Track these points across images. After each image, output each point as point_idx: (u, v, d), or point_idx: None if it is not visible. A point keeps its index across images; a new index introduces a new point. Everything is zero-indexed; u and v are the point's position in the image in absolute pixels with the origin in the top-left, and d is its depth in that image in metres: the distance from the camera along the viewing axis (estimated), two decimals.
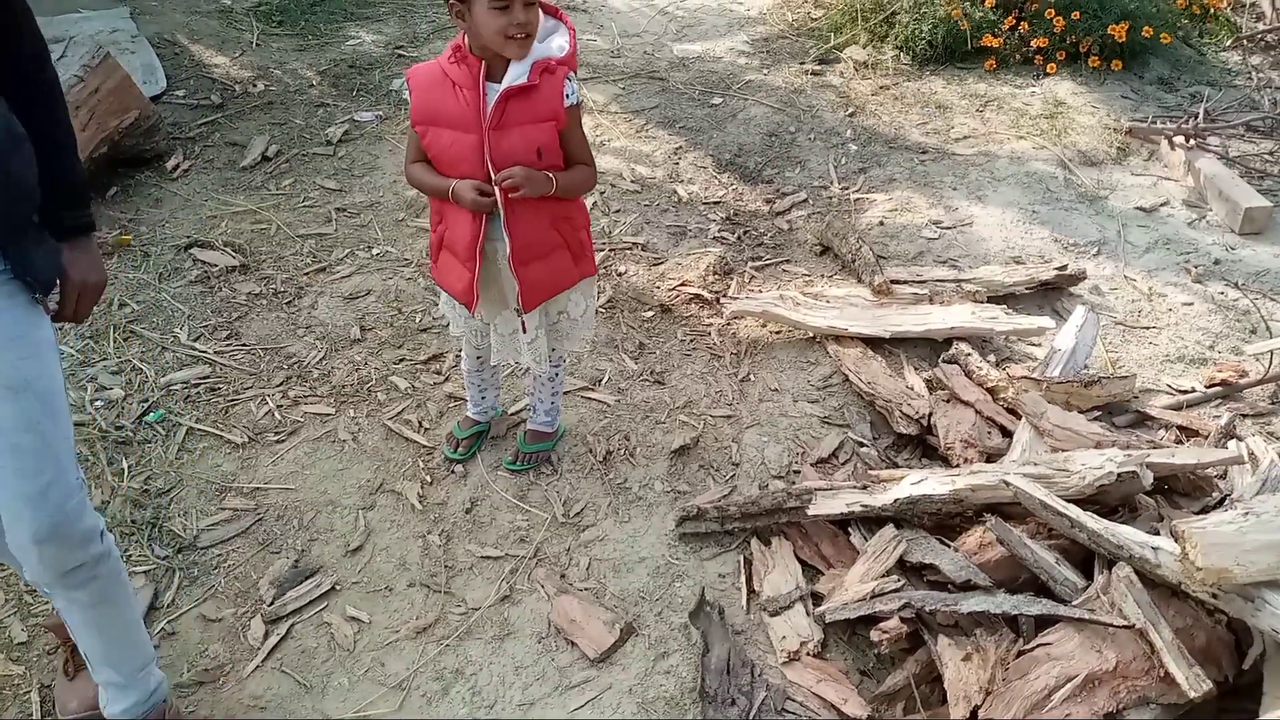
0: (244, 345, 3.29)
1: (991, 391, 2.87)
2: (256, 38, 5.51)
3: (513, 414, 3.02)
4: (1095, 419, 2.86)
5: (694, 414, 3.03)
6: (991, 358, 3.20)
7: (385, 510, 2.72)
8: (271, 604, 2.44)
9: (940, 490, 2.31)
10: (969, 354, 3.03)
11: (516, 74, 2.09)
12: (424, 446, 2.91)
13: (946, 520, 2.40)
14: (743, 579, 2.44)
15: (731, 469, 2.82)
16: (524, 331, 2.40)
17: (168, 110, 4.65)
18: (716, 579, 2.47)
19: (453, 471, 2.81)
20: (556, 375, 2.70)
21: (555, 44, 2.16)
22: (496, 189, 2.15)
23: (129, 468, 2.80)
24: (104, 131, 4.00)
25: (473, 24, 2.04)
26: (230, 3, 5.87)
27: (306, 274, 3.65)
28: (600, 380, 3.18)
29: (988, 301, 3.41)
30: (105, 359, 3.18)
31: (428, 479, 2.81)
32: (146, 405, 3.01)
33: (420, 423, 3.00)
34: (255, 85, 5.01)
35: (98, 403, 3.00)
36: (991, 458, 2.61)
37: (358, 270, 3.68)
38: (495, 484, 2.78)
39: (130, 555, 2.55)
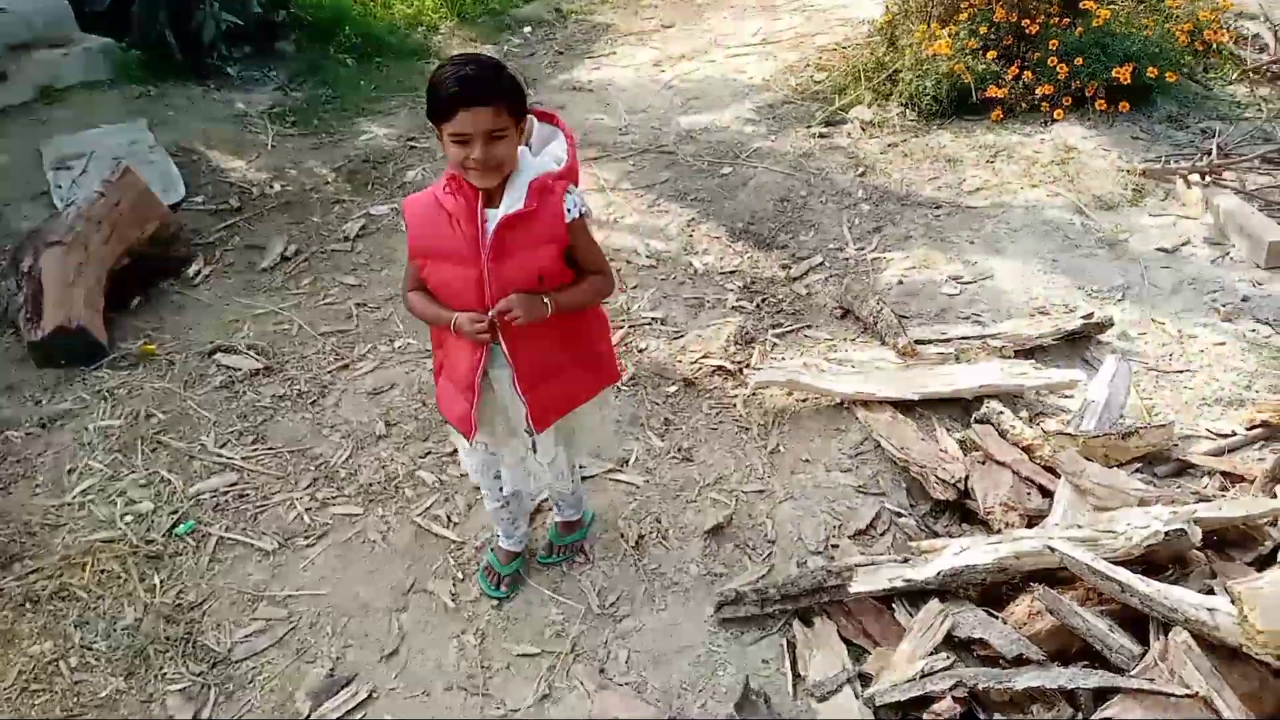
0: (270, 449, 3.29)
1: (1027, 450, 2.81)
2: (271, 139, 5.64)
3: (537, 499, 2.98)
4: (1136, 471, 2.80)
5: (725, 490, 2.99)
6: (1024, 414, 3.14)
7: (419, 611, 2.68)
8: (309, 717, 2.39)
9: (984, 560, 2.25)
10: (1001, 412, 2.97)
11: (512, 200, 2.01)
12: (454, 542, 2.88)
13: (992, 589, 2.33)
14: (787, 664, 2.37)
15: (768, 547, 2.76)
16: (535, 452, 2.34)
17: (187, 217, 4.73)
18: (760, 665, 2.40)
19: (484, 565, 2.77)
20: (579, 492, 2.68)
21: (552, 154, 2.10)
22: (492, 319, 2.06)
23: (161, 583, 2.78)
24: (126, 243, 4.08)
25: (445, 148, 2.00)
26: (244, 107, 6.01)
27: (329, 372, 3.67)
28: (628, 461, 3.15)
29: (1015, 356, 3.36)
30: (134, 472, 3.19)
31: (459, 575, 2.77)
32: (176, 517, 3.01)
33: (449, 517, 2.97)
34: (272, 186, 5.11)
35: (128, 517, 3.00)
36: (1033, 520, 2.54)
37: (380, 365, 3.69)
38: (528, 577, 2.74)
39: (165, 673, 2.52)
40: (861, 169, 4.99)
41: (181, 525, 2.97)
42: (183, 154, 5.33)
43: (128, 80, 6.02)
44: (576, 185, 2.14)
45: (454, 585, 2.74)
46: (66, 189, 4.75)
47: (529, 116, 2.06)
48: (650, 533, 2.84)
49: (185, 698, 2.46)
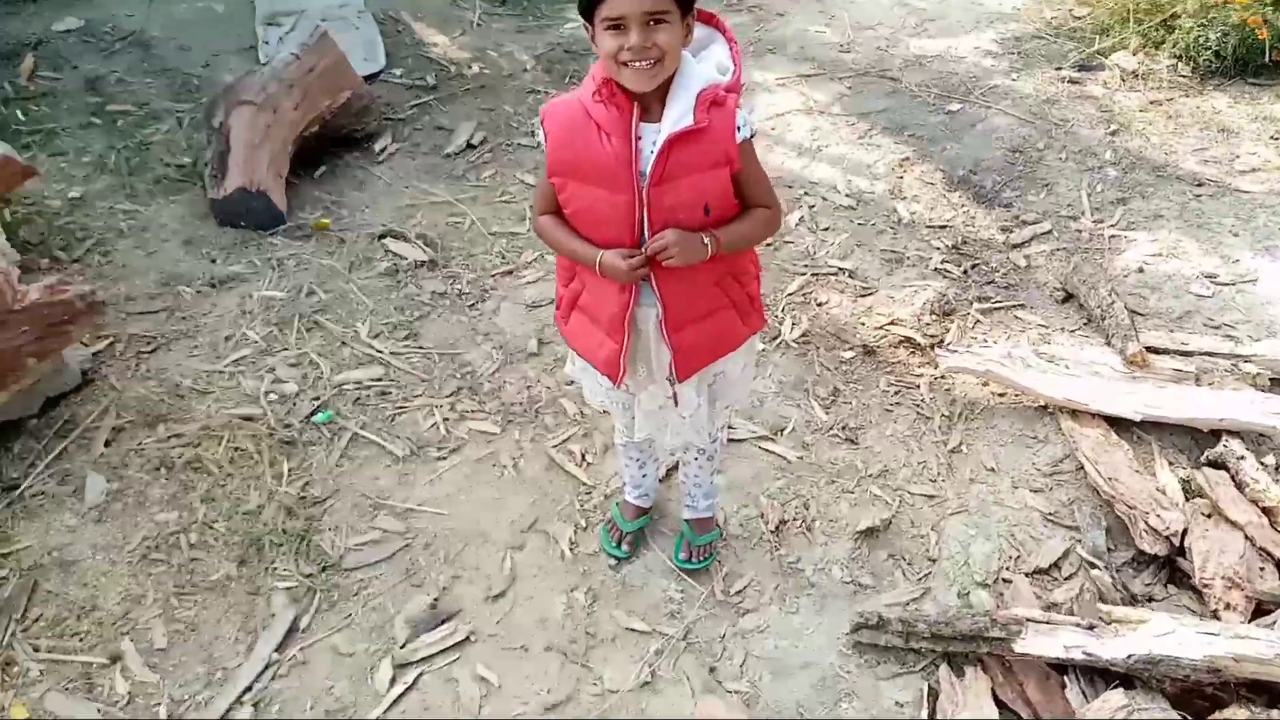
0: (421, 348, 3.17)
1: (1268, 512, 2.32)
2: (479, 17, 5.45)
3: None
4: None
5: (889, 486, 2.64)
6: (1270, 458, 2.61)
7: (534, 553, 2.52)
8: (403, 646, 2.29)
9: (1191, 654, 1.84)
10: (1241, 457, 2.47)
11: (679, 113, 1.69)
12: (584, 484, 2.69)
13: (1195, 688, 1.92)
14: (924, 712, 2.06)
15: (927, 565, 2.42)
16: (675, 404, 2.04)
17: (383, 89, 4.64)
18: (893, 706, 2.10)
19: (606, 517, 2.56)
20: (716, 451, 2.35)
21: (716, 61, 1.78)
22: (646, 256, 1.78)
23: (289, 470, 2.74)
24: (315, 110, 4.01)
25: (597, 46, 1.69)
26: None
27: (493, 275, 3.51)
28: (783, 430, 2.84)
29: (1271, 386, 2.80)
30: (286, 349, 3.15)
31: (582, 523, 2.58)
32: (318, 404, 2.95)
33: (584, 455, 2.78)
34: (470, 67, 4.94)
35: (271, 396, 2.97)
36: (1263, 606, 2.08)
37: (545, 276, 3.49)
38: (652, 539, 2.52)
39: (276, 568, 2.47)
40: (1114, 126, 4.31)
41: (320, 414, 2.91)
42: (390, 22, 5.23)
43: None
44: (742, 101, 1.80)
45: (575, 533, 2.55)
46: (274, 45, 4.74)
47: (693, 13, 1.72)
48: (794, 519, 2.55)
49: (290, 599, 2.40)
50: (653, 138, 1.72)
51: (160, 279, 3.44)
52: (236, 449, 2.78)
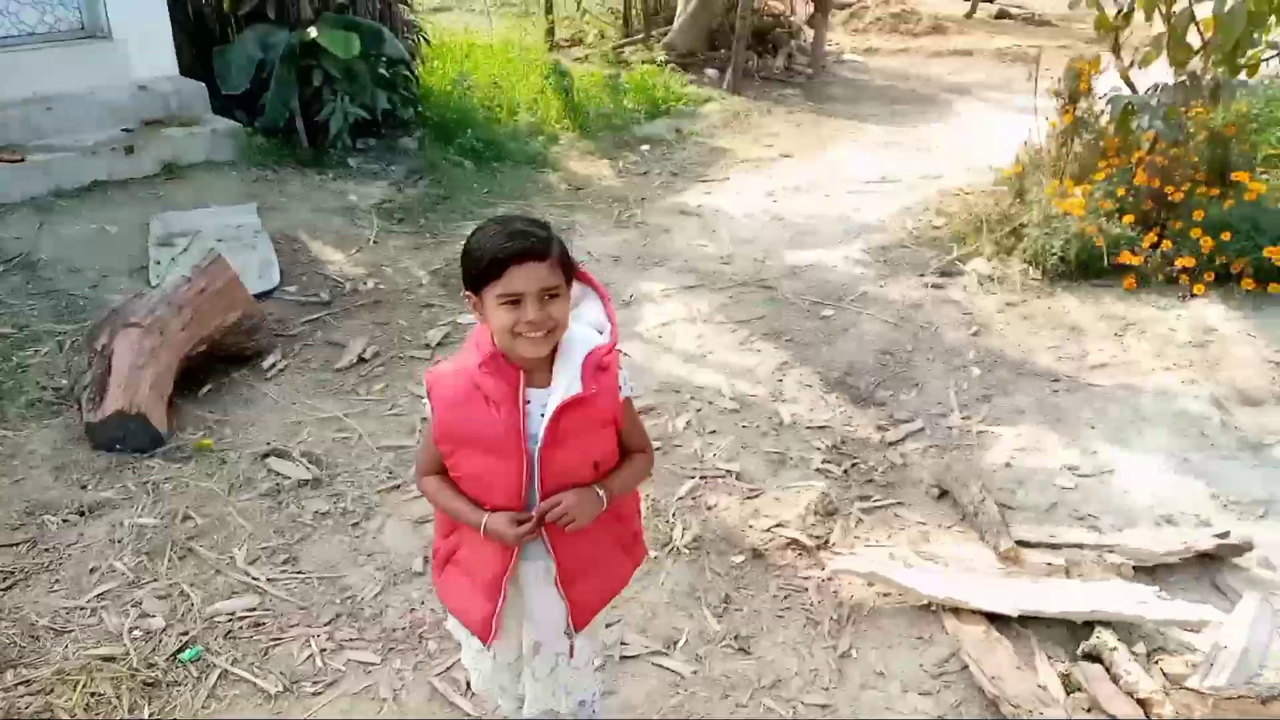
0: (299, 573, 3.07)
1: (1144, 704, 2.36)
2: (375, 235, 5.64)
3: None
4: None
5: (783, 698, 2.61)
6: (1141, 646, 2.69)
7: None
8: None
9: None
10: (1114, 648, 2.53)
11: (568, 381, 1.74)
12: (468, 715, 2.57)
13: None
14: None
15: None
16: (571, 657, 2.00)
17: (276, 306, 4.70)
18: None
19: None
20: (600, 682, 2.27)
21: (592, 320, 1.85)
22: (539, 519, 1.78)
23: (150, 716, 2.55)
24: (205, 330, 4.02)
25: (486, 318, 1.75)
26: (356, 199, 6.08)
27: (379, 491, 3.46)
28: (676, 643, 2.80)
29: (1135, 573, 2.92)
30: (155, 580, 3.01)
31: None
32: (185, 639, 2.79)
33: (468, 685, 2.66)
34: (365, 283, 5.06)
35: (136, 632, 2.80)
36: None
37: None
38: None
39: None
40: (975, 328, 4.64)
41: (188, 651, 2.75)
42: (285, 241, 5.36)
43: (249, 163, 6.17)
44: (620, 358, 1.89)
45: None
46: (165, 266, 4.79)
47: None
48: None
49: None
50: (542, 401, 1.77)
51: (25, 508, 3.29)
52: (93, 694, 2.59)
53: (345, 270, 5.20)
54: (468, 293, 1.76)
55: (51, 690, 2.59)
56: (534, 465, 1.77)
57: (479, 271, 1.70)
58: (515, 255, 1.67)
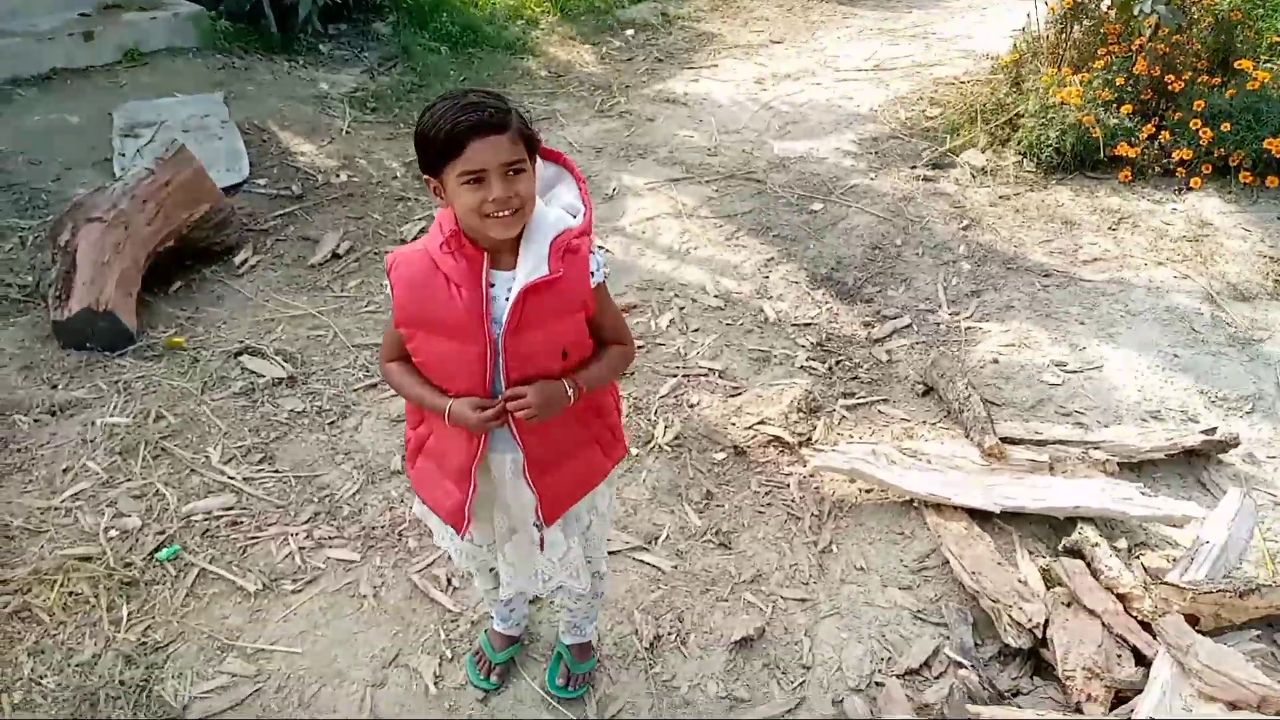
0: (276, 471, 3.03)
1: (1123, 599, 2.37)
2: (347, 125, 5.43)
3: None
4: (1255, 638, 2.33)
5: (762, 592, 2.61)
6: (1123, 541, 2.70)
7: (396, 690, 2.37)
8: None
9: None
10: (1096, 544, 2.52)
11: (534, 263, 1.65)
12: (449, 611, 2.57)
13: None
14: None
15: (801, 673, 2.38)
16: (541, 550, 1.96)
17: (246, 200, 4.54)
18: None
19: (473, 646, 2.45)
20: (602, 590, 2.26)
21: (565, 202, 1.76)
22: (504, 406, 1.71)
23: (129, 614, 2.53)
24: (171, 225, 3.88)
25: (450, 200, 1.65)
26: (327, 88, 5.84)
27: (356, 390, 3.40)
28: (657, 538, 2.79)
29: (1119, 469, 2.90)
30: (130, 479, 2.96)
31: (448, 654, 2.45)
32: (162, 539, 2.76)
33: (449, 580, 2.66)
34: (338, 175, 4.89)
35: (112, 532, 2.77)
36: (1122, 695, 2.11)
37: None
38: (522, 668, 2.41)
39: None
40: (966, 221, 4.53)
41: (165, 550, 2.72)
42: (254, 132, 5.16)
43: (214, 50, 5.90)
44: (595, 243, 1.79)
45: (440, 665, 2.42)
46: (130, 157, 4.61)
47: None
48: (670, 633, 2.48)
49: None
50: (506, 285, 1.68)
51: None
52: (71, 593, 2.57)
53: (317, 162, 5.02)
54: (427, 176, 1.65)
55: (29, 590, 2.56)
56: (498, 350, 1.70)
57: (436, 150, 1.59)
58: (473, 128, 1.56)
